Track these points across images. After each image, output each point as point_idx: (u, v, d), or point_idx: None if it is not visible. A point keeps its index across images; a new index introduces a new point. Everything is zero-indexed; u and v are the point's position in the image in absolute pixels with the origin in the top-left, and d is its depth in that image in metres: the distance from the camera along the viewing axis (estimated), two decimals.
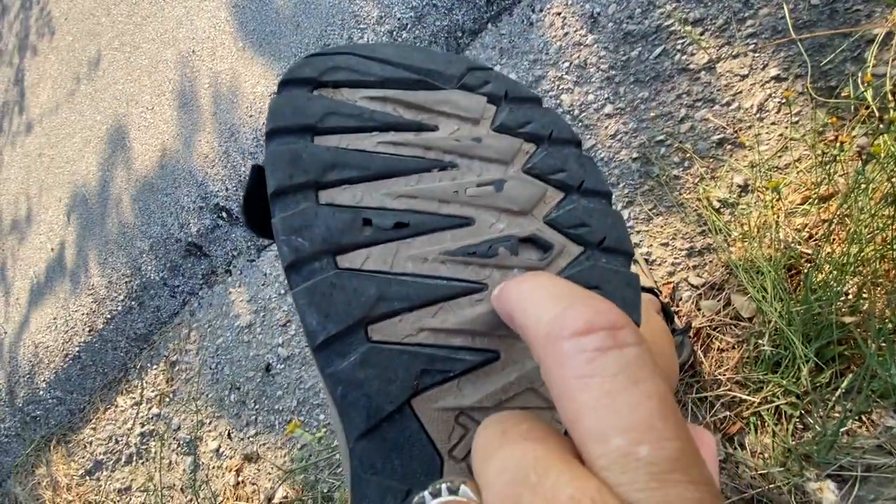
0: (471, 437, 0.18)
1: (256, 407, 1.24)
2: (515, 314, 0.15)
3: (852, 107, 0.73)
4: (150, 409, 1.46)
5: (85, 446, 1.53)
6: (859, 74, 0.73)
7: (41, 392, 1.65)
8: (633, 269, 0.89)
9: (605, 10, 1.01)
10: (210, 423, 1.31)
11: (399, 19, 1.21)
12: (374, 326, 0.18)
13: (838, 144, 0.65)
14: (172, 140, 1.55)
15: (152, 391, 1.46)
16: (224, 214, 1.42)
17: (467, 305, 0.19)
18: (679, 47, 0.94)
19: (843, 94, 0.76)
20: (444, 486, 0.14)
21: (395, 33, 1.21)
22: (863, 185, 0.60)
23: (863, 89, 0.67)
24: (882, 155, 0.56)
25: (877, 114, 0.66)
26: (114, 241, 1.60)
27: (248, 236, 1.40)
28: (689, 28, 0.92)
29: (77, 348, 1.59)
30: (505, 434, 0.13)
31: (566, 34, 1.04)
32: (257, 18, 1.44)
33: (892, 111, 0.64)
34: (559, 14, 1.06)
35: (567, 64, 1.03)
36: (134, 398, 1.50)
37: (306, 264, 0.18)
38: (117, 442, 1.46)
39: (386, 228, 0.19)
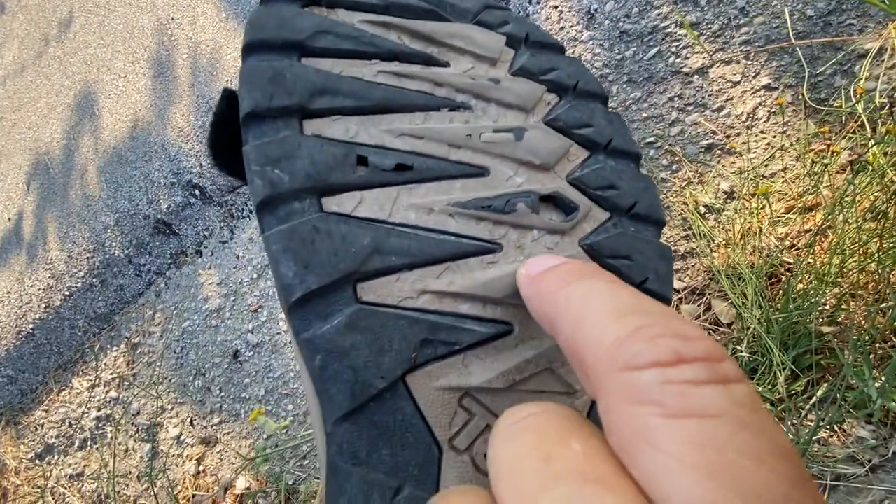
0: (476, 425, 0.15)
1: (222, 394, 1.20)
2: (561, 322, 0.12)
3: (843, 118, 0.73)
4: (107, 392, 1.39)
5: (36, 429, 1.45)
6: (851, 87, 0.73)
7: None
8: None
9: (602, 7, 1.00)
10: (171, 409, 1.25)
11: None
12: (364, 285, 0.15)
13: (829, 154, 0.65)
14: (145, 111, 1.47)
15: (111, 374, 1.39)
16: (197, 192, 1.35)
17: (478, 267, 0.16)
18: (673, 50, 0.93)
19: (834, 106, 0.76)
20: None
21: None
22: (849, 197, 0.60)
23: (855, 101, 0.67)
24: (872, 166, 0.56)
25: (868, 126, 0.66)
26: (76, 213, 1.52)
27: (222, 216, 1.34)
28: (687, 28, 0.92)
29: (31, 325, 1.51)
30: (551, 463, 0.09)
31: (562, 28, 1.02)
32: None
33: (880, 124, 0.64)
34: (556, 7, 1.04)
35: None
36: (90, 380, 1.43)
37: (284, 203, 0.15)
38: (71, 425, 1.39)
39: (385, 170, 0.16)
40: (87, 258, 1.45)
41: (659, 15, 0.95)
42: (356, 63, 0.17)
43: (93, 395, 1.41)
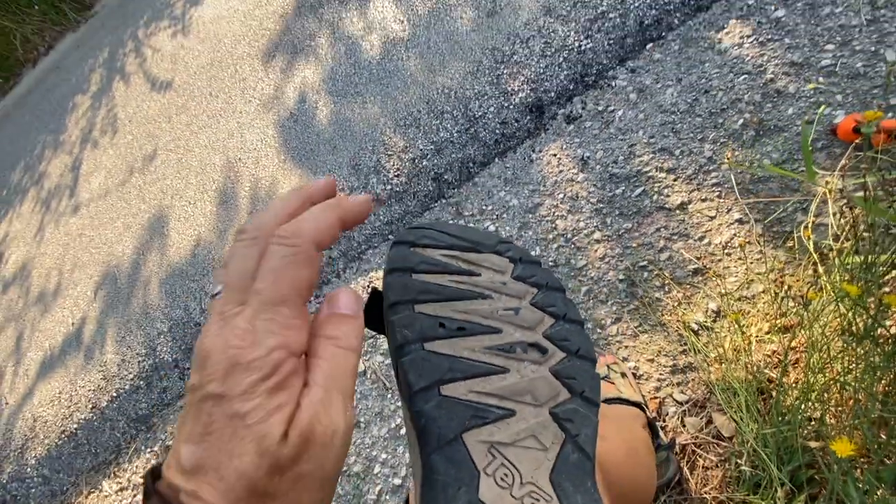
0: (498, 462, 0.28)
1: None
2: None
3: (806, 251, 0.86)
4: (135, 496, 1.43)
5: None
6: (802, 227, 0.87)
7: (28, 469, 1.62)
8: (621, 379, 0.96)
9: (593, 154, 1.20)
10: None
11: (421, 150, 1.43)
12: (444, 386, 0.29)
13: (785, 288, 0.76)
14: (208, 232, 1.71)
15: (141, 477, 1.44)
16: None
17: (498, 380, 0.30)
18: (656, 189, 1.11)
19: (791, 241, 0.89)
20: None
21: (416, 161, 1.42)
22: (807, 323, 0.69)
23: (806, 242, 0.80)
24: (819, 300, 0.67)
25: (818, 263, 0.78)
26: (135, 320, 1.69)
27: None
28: (663, 175, 1.10)
29: (75, 425, 1.60)
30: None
31: (560, 171, 1.23)
32: (300, 138, 1.69)
33: (820, 266, 0.76)
34: (555, 155, 1.26)
35: (561, 195, 1.20)
36: (120, 483, 1.47)
37: (408, 346, 0.29)
38: None
39: (452, 329, 0.31)
40: (139, 361, 1.59)
41: (641, 161, 1.15)
42: (438, 276, 0.32)
43: (121, 499, 1.44)
